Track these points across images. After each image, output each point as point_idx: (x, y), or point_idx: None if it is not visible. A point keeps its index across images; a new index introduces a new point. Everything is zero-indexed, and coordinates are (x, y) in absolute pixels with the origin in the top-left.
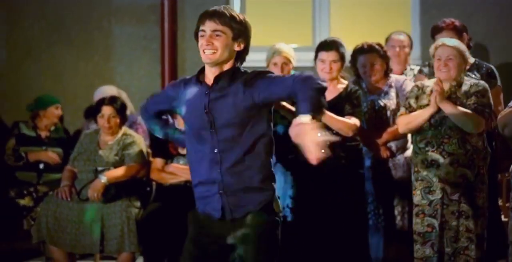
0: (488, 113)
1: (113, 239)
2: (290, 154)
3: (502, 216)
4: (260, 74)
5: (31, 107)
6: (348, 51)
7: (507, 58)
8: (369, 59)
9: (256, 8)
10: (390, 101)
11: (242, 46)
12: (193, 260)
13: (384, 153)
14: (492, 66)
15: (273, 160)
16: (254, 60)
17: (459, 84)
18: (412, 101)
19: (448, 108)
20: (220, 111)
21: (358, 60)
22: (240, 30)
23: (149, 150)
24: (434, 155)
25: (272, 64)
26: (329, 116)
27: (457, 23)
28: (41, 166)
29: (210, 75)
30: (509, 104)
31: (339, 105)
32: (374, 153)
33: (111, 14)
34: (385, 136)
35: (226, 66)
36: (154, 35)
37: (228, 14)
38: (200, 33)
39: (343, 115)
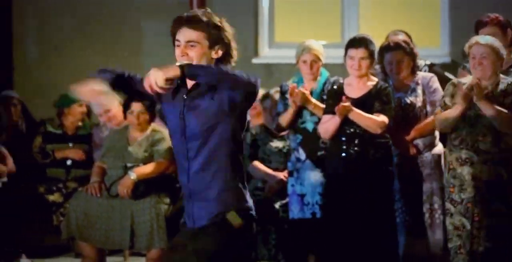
0: None
1: (142, 236)
2: (319, 150)
3: None
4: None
5: (58, 104)
6: (377, 48)
7: None
8: (396, 57)
9: (285, 5)
10: (416, 99)
11: (220, 53)
12: None
13: (412, 150)
14: None
15: (303, 156)
16: (284, 56)
17: (496, 83)
18: (447, 100)
19: (485, 107)
20: (192, 119)
21: (385, 57)
22: (218, 36)
23: None
24: (468, 153)
25: (301, 62)
26: (357, 113)
27: (501, 18)
28: (69, 162)
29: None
30: None
31: (369, 103)
32: (401, 150)
33: (140, 10)
34: (412, 133)
35: None
36: None
37: (204, 20)
38: (176, 43)
39: (372, 113)
